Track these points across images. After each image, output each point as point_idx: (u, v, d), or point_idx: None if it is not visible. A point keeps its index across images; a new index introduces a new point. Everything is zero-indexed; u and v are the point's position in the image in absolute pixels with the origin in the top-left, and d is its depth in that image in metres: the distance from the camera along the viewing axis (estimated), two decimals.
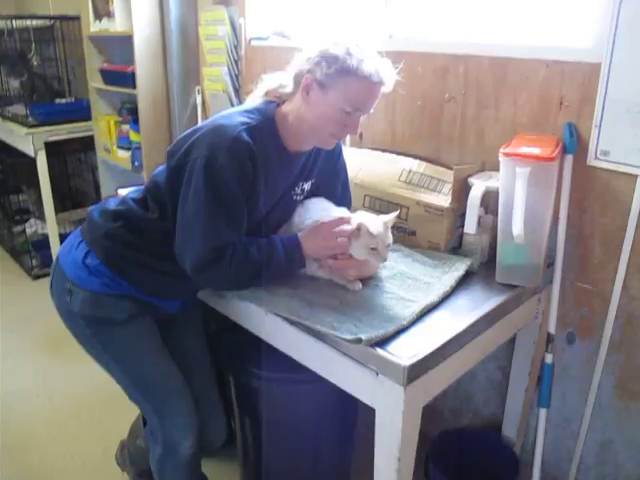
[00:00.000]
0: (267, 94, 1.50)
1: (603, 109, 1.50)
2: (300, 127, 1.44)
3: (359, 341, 1.21)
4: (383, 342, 1.23)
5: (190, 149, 1.37)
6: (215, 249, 1.34)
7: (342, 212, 1.55)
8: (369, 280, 1.50)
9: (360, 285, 1.46)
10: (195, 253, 1.35)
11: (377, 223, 1.43)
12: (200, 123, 1.46)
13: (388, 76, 1.37)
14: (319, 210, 1.56)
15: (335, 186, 1.67)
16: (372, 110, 1.41)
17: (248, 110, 1.45)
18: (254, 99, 1.53)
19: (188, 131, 1.45)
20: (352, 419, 1.85)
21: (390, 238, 1.45)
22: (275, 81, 1.49)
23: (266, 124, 1.43)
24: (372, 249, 1.41)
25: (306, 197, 1.63)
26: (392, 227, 1.69)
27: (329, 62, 1.33)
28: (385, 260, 1.44)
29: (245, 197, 1.38)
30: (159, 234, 1.46)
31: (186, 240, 1.38)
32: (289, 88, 1.45)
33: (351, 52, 1.32)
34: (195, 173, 1.34)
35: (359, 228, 1.42)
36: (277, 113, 1.46)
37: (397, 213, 1.52)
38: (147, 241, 1.48)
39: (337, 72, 1.32)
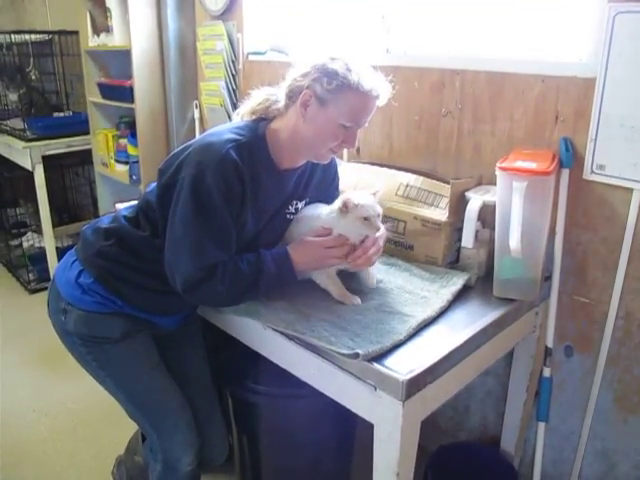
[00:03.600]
0: (254, 112, 1.50)
1: (598, 124, 1.51)
2: (295, 143, 1.43)
3: (356, 356, 1.21)
4: (380, 357, 1.22)
5: (180, 167, 1.38)
6: (204, 268, 1.34)
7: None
8: (366, 294, 1.50)
9: (359, 300, 1.45)
10: (184, 272, 1.35)
11: (363, 194, 1.45)
12: (192, 140, 1.46)
13: (384, 91, 1.39)
14: (309, 220, 1.54)
15: (329, 203, 1.65)
16: (367, 124, 1.43)
17: (238, 127, 1.45)
18: (241, 116, 1.53)
19: (179, 148, 1.45)
20: (350, 434, 1.85)
21: (380, 208, 1.45)
22: (263, 98, 1.49)
23: (256, 141, 1.43)
24: (365, 219, 1.42)
25: None
26: (390, 242, 1.70)
27: (330, 77, 1.33)
28: (379, 229, 1.44)
29: (234, 216, 1.38)
30: (150, 252, 1.45)
31: (175, 259, 1.37)
32: (281, 104, 1.44)
33: (351, 67, 1.33)
34: (183, 192, 1.34)
35: (345, 204, 1.42)
36: (268, 130, 1.46)
37: (381, 186, 1.51)
38: (139, 259, 1.48)
39: (338, 87, 1.33)
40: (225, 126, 1.47)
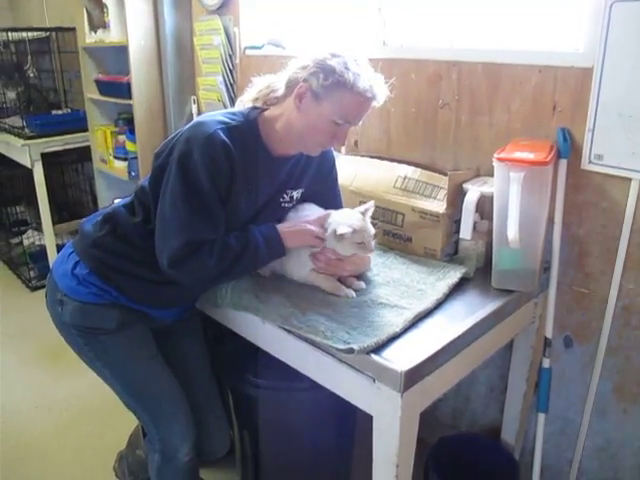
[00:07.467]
0: (256, 99, 1.51)
1: (596, 113, 1.51)
2: (288, 132, 1.44)
3: (351, 351, 1.21)
4: (376, 350, 1.23)
5: (172, 149, 1.40)
6: (190, 243, 1.33)
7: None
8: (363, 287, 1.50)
9: (353, 293, 1.46)
10: (171, 247, 1.34)
11: (354, 215, 1.48)
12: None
13: (381, 92, 1.39)
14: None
15: (327, 196, 1.66)
16: (361, 123, 1.43)
17: (231, 112, 1.47)
18: (244, 102, 1.54)
19: (174, 133, 1.47)
20: (351, 425, 1.85)
21: (372, 229, 1.48)
22: (265, 85, 1.50)
23: (247, 126, 1.44)
24: (359, 244, 1.44)
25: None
26: (388, 234, 1.71)
27: (326, 74, 1.33)
28: (372, 251, 1.47)
29: (222, 195, 1.38)
30: (142, 239, 1.46)
31: (163, 235, 1.37)
32: (280, 92, 1.45)
33: (349, 66, 1.33)
34: (173, 169, 1.36)
35: (343, 235, 1.41)
36: (261, 117, 1.47)
37: (372, 202, 1.53)
38: (132, 247, 1.48)
39: (333, 85, 1.33)
40: (218, 111, 1.49)
